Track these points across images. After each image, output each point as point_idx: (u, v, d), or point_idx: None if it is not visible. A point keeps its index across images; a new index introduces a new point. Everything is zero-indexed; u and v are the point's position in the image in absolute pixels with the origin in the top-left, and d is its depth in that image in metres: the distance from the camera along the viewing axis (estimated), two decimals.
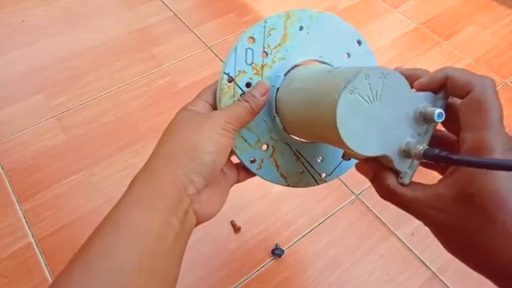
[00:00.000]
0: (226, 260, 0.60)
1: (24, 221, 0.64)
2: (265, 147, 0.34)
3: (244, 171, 0.36)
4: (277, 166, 0.34)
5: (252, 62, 0.32)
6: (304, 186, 0.34)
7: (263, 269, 0.59)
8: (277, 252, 0.60)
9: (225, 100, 0.32)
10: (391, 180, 0.27)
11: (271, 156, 0.33)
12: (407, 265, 0.60)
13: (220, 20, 0.98)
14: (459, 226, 0.24)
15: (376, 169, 0.28)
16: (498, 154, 0.22)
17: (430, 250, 0.62)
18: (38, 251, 0.61)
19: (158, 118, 0.77)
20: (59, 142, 0.74)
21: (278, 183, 0.34)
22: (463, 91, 0.24)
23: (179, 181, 0.28)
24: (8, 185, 0.68)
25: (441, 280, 0.59)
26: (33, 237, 0.62)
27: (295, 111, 0.30)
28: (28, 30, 0.94)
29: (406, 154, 0.26)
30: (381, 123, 0.25)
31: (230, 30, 0.95)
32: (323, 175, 0.35)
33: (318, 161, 0.34)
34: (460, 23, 0.99)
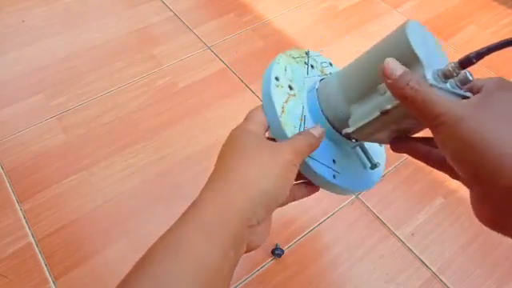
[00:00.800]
0: None
1: (24, 221, 0.64)
2: (291, 86, 0.35)
3: (289, 192, 0.36)
4: (286, 101, 0.34)
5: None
6: (287, 132, 0.32)
7: (263, 269, 0.59)
8: (277, 252, 0.60)
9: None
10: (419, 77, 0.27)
11: (289, 94, 0.34)
12: (407, 265, 0.60)
13: (220, 20, 0.98)
14: (471, 114, 0.24)
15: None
16: None
17: (430, 250, 0.62)
18: (37, 251, 0.61)
19: (158, 118, 0.77)
20: (59, 142, 0.74)
21: (274, 106, 0.33)
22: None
23: (246, 211, 0.27)
24: (8, 185, 0.68)
25: (441, 280, 0.59)
26: (33, 237, 0.62)
27: (345, 77, 0.33)
28: (28, 30, 0.94)
29: (443, 74, 0.28)
30: (429, 49, 0.29)
31: (230, 30, 0.95)
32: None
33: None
34: (460, 23, 0.99)
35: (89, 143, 0.73)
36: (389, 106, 0.28)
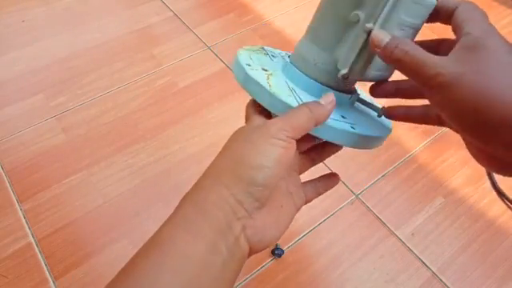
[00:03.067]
0: None
1: (24, 221, 0.64)
2: (265, 69, 0.34)
3: (312, 188, 0.33)
4: (268, 78, 0.32)
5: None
6: (286, 99, 0.30)
7: (263, 269, 0.59)
8: (277, 252, 0.60)
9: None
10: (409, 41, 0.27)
11: (266, 73, 0.33)
12: (407, 265, 0.60)
13: (220, 20, 0.98)
14: (470, 70, 0.24)
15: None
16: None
17: (430, 250, 0.62)
18: (37, 251, 0.61)
19: (158, 118, 0.77)
20: (59, 142, 0.74)
21: (262, 84, 0.31)
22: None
23: (226, 202, 0.25)
24: (8, 185, 0.68)
25: (441, 280, 0.59)
26: (33, 237, 0.62)
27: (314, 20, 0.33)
28: (28, 30, 0.94)
29: None
30: None
31: (230, 29, 0.95)
32: None
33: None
34: None
35: (89, 143, 0.73)
36: (371, 24, 0.28)
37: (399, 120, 0.33)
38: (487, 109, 0.23)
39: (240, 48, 0.36)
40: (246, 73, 0.31)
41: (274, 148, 0.26)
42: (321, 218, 0.65)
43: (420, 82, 0.26)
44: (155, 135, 0.74)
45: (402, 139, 0.75)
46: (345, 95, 0.34)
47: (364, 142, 0.32)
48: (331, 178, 0.36)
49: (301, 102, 0.30)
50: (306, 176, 0.37)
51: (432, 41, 0.32)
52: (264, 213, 0.27)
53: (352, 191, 0.68)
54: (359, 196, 0.67)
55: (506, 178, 0.67)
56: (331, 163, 0.69)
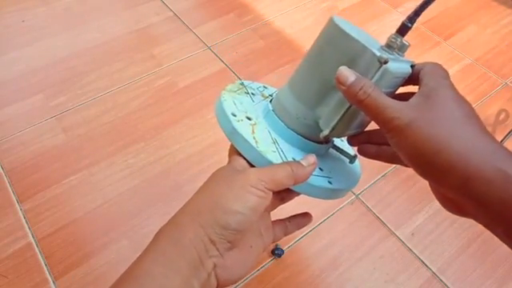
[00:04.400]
0: None
1: (24, 221, 0.64)
2: (249, 117, 0.35)
3: (282, 229, 0.35)
4: (253, 131, 0.33)
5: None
6: (271, 158, 0.32)
7: (263, 269, 0.59)
8: (277, 252, 0.60)
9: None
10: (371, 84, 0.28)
11: (251, 124, 0.34)
12: (407, 265, 0.60)
13: (220, 20, 0.98)
14: (423, 119, 0.26)
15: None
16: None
17: (430, 250, 0.62)
18: (37, 251, 0.61)
19: (158, 118, 0.77)
20: (59, 142, 0.74)
21: (248, 141, 0.32)
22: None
23: (201, 240, 0.26)
24: (8, 185, 0.68)
25: (441, 280, 0.59)
26: (33, 237, 0.62)
27: (297, 77, 0.34)
28: (28, 30, 0.94)
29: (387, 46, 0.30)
30: (363, 35, 0.31)
31: (230, 29, 0.95)
32: None
33: (291, 158, 0.34)
34: (460, 23, 0.99)
35: (89, 143, 0.73)
36: None
37: (371, 158, 0.35)
38: (435, 154, 0.25)
39: (222, 91, 0.37)
40: (233, 127, 0.32)
41: (251, 197, 0.27)
42: (321, 218, 0.65)
43: (380, 124, 0.28)
44: (155, 135, 0.74)
45: None
46: (322, 146, 0.35)
47: (337, 194, 0.35)
48: (304, 218, 0.38)
49: (284, 160, 0.32)
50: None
51: (399, 94, 0.34)
52: (234, 253, 0.28)
53: (352, 191, 0.68)
54: (359, 196, 0.67)
55: None
56: None
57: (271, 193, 0.28)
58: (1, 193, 0.67)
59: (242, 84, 0.40)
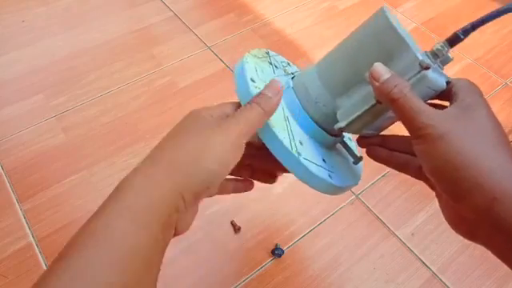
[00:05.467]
0: (226, 260, 0.60)
1: (24, 221, 0.64)
2: None
3: (229, 186, 0.35)
4: None
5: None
6: (279, 133, 0.30)
7: (263, 269, 0.59)
8: (277, 252, 0.60)
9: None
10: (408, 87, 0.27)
11: None
12: (407, 265, 0.60)
13: (220, 20, 0.98)
14: (457, 132, 0.25)
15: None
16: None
17: (430, 250, 0.62)
18: (38, 251, 0.61)
19: (158, 118, 0.77)
20: (59, 142, 0.74)
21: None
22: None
23: (173, 198, 0.25)
24: (8, 185, 0.68)
25: (441, 280, 0.59)
26: (33, 237, 0.62)
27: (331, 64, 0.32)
28: (28, 30, 0.94)
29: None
30: (406, 34, 0.29)
31: (230, 29, 0.95)
32: (299, 150, 0.32)
33: (298, 141, 0.32)
34: (460, 23, 0.98)
35: (89, 143, 0.73)
36: None
37: (379, 162, 0.34)
38: (464, 169, 0.24)
39: (246, 53, 0.35)
40: (249, 92, 0.31)
41: (230, 155, 0.27)
42: (321, 218, 0.65)
43: (410, 128, 0.27)
44: (155, 135, 0.74)
45: None
46: (332, 138, 0.34)
47: (336, 191, 0.34)
48: (245, 184, 0.38)
49: (292, 141, 0.31)
50: None
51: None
52: (195, 205, 0.28)
53: (352, 191, 0.68)
54: (359, 196, 0.67)
55: None
56: None
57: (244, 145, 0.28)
58: (1, 193, 0.67)
59: (268, 53, 0.38)
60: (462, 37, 0.29)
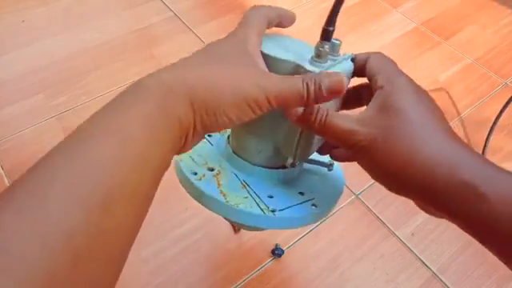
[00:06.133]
0: (226, 260, 0.60)
1: None
2: (210, 168, 0.33)
3: None
4: (218, 184, 0.32)
5: None
6: (245, 208, 0.30)
7: (263, 269, 0.59)
8: (277, 252, 0.60)
9: None
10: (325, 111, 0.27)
11: (215, 175, 0.32)
12: (407, 265, 0.60)
13: (220, 20, 0.98)
14: (383, 136, 0.25)
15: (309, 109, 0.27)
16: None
17: (430, 250, 0.62)
18: None
19: None
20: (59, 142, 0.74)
21: (217, 199, 0.30)
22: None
23: (187, 124, 0.23)
24: (8, 185, 0.68)
25: (441, 280, 0.59)
26: None
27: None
28: (28, 30, 0.94)
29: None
30: (293, 47, 0.32)
31: (229, 29, 0.94)
32: (271, 207, 0.31)
33: (267, 196, 0.32)
34: (460, 23, 0.99)
35: None
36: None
37: (346, 161, 0.33)
38: (401, 171, 0.24)
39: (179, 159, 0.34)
40: (197, 188, 0.31)
41: (249, 112, 0.24)
42: None
43: (344, 147, 0.27)
44: None
45: None
46: (292, 169, 0.33)
47: (326, 214, 0.33)
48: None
49: (257, 202, 0.30)
50: None
51: (355, 87, 0.32)
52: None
53: (352, 191, 0.68)
54: (359, 196, 0.67)
55: None
56: None
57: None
58: None
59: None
60: (330, 28, 0.29)
